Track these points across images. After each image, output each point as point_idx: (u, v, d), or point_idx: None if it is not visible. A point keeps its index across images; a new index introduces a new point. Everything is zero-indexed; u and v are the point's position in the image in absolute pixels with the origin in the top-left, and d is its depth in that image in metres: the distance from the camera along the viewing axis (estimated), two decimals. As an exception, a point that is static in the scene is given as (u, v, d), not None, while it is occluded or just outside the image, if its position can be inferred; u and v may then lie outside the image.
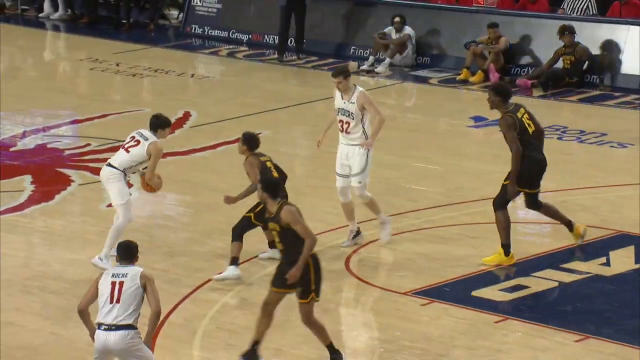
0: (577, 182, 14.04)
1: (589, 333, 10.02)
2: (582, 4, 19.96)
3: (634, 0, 19.41)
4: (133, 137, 11.43)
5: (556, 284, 11.02)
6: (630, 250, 11.87)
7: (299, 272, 9.12)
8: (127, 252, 8.69)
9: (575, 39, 18.76)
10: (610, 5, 19.65)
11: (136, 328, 8.49)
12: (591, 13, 19.80)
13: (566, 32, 18.71)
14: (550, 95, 18.52)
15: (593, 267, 11.45)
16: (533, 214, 12.87)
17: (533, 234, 12.39)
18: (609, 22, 19.29)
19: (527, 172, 11.27)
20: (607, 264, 11.57)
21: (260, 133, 16.24)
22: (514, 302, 10.65)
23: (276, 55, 21.41)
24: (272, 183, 9.50)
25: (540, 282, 11.02)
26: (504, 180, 11.40)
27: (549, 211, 11.70)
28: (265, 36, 22.33)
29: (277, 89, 19.46)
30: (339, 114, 11.87)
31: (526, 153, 11.21)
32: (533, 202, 11.52)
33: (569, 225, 11.76)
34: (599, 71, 18.93)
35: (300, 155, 16.18)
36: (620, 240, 12.16)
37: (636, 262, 11.56)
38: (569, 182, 14.00)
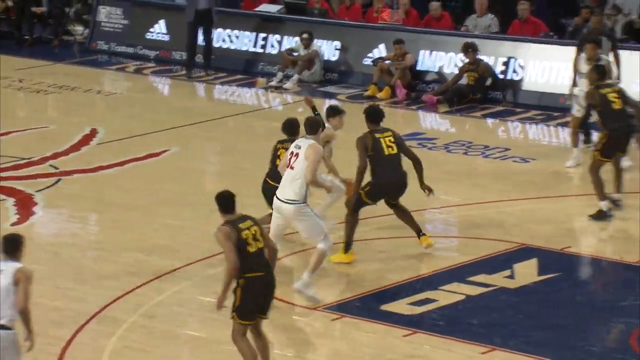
0: (481, 196, 14.29)
1: (495, 345, 10.22)
2: (485, 21, 20.34)
3: (533, 19, 19.84)
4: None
5: (463, 297, 11.21)
6: (533, 263, 12.12)
7: (221, 299, 9.12)
8: (10, 246, 8.37)
9: (479, 56, 19.12)
10: (511, 23, 20.06)
11: (10, 329, 8.17)
12: (493, 31, 20.19)
13: (470, 49, 19.04)
14: (455, 111, 18.83)
15: (498, 279, 11.68)
16: (441, 229, 13.10)
17: (441, 248, 12.59)
18: (510, 39, 19.69)
19: (377, 187, 11.95)
20: (512, 276, 11.81)
21: (168, 150, 16.38)
22: (422, 315, 10.82)
23: (184, 72, 21.41)
24: (223, 197, 9.30)
25: (448, 295, 11.20)
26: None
27: (404, 216, 12.13)
28: (173, 52, 22.32)
29: (186, 105, 19.46)
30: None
31: (377, 171, 11.87)
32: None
33: (418, 232, 12.15)
34: (502, 87, 19.30)
35: (211, 171, 16.23)
36: (524, 253, 12.41)
37: (539, 274, 11.83)
38: (474, 196, 14.25)
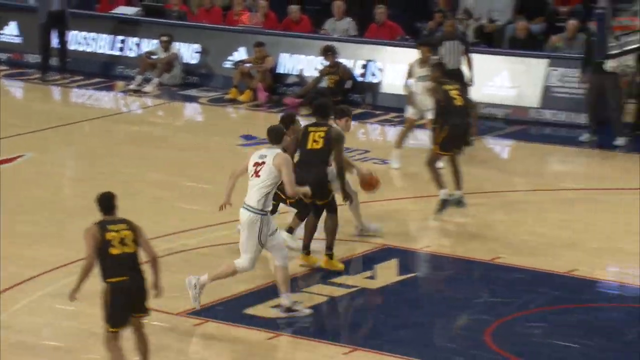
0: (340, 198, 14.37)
1: (357, 345, 10.33)
2: (343, 25, 20.53)
3: (389, 23, 20.11)
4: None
5: (326, 298, 11.30)
6: (393, 263, 12.29)
7: (73, 290, 9.09)
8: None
9: (338, 59, 19.28)
10: (368, 27, 20.30)
11: None
12: (351, 34, 20.40)
13: (329, 52, 19.20)
14: (316, 114, 18.90)
15: (360, 280, 11.80)
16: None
17: (303, 250, 12.66)
18: (368, 42, 19.93)
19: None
20: (373, 277, 11.95)
21: (22, 155, 16.05)
22: (285, 318, 10.85)
23: (39, 75, 21.01)
24: (102, 198, 9.22)
25: (311, 297, 11.27)
26: None
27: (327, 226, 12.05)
28: (26, 55, 21.89)
29: (41, 109, 19.09)
30: None
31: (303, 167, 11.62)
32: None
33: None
34: (361, 90, 19.51)
35: (69, 175, 15.97)
36: (385, 253, 12.57)
37: (399, 274, 12.00)
38: (337, 198, 14.34)
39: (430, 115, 15.45)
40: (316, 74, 19.59)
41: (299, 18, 20.81)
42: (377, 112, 18.99)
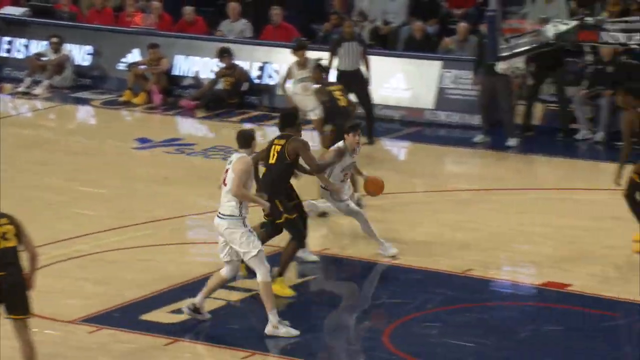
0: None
1: (255, 349, 10.29)
2: (238, 26, 20.48)
3: (285, 25, 20.12)
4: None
5: (224, 302, 11.23)
6: (292, 266, 12.26)
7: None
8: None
9: (234, 61, 19.22)
10: (264, 29, 20.27)
11: None
12: (247, 36, 20.36)
13: (225, 54, 19.12)
14: (213, 116, 18.86)
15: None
16: (204, 235, 13.07)
17: (202, 254, 12.57)
18: (264, 44, 19.89)
19: None
20: (271, 280, 11.89)
21: None
22: (183, 323, 10.76)
23: None
24: None
25: (209, 301, 11.18)
26: None
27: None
28: None
29: None
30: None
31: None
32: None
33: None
34: (258, 92, 19.48)
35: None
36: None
37: (298, 277, 11.99)
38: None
39: (313, 116, 15.51)
40: (212, 76, 19.50)
41: (194, 19, 20.69)
42: (275, 114, 18.95)
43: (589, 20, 9.87)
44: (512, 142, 17.10)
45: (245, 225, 10.42)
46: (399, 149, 17.68)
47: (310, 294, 11.64)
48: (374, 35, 20.08)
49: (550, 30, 10.04)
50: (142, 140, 17.12)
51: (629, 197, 12.04)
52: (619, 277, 11.75)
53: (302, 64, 16.00)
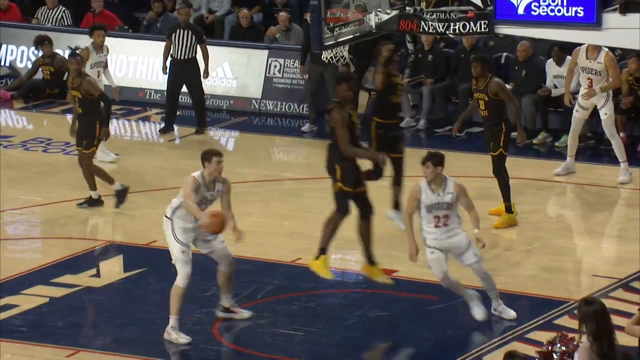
0: (65, 194, 13.94)
1: (81, 346, 10.00)
2: (57, 14, 19.92)
3: (107, 12, 19.67)
4: None
5: (47, 299, 10.88)
6: (119, 260, 12.03)
7: None
8: None
9: (55, 50, 18.71)
10: (84, 16, 19.78)
11: None
12: (66, 24, 19.82)
13: (46, 42, 18.57)
14: (32, 107, 18.29)
15: (84, 279, 11.46)
16: (23, 230, 12.68)
17: (22, 250, 12.19)
18: (85, 32, 19.34)
19: None
20: (98, 275, 11.63)
21: None
22: (3, 322, 10.37)
23: None
24: None
25: (30, 299, 10.83)
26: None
27: None
28: None
29: None
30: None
31: None
32: None
33: None
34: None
35: None
36: (110, 250, 12.31)
37: (124, 271, 11.74)
38: (58, 195, 13.90)
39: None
40: (30, 65, 18.91)
41: (7, 6, 20.03)
42: (136, 108, 18.51)
43: (409, 9, 9.97)
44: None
45: (172, 229, 10.14)
46: (227, 138, 17.52)
47: (139, 288, 11.37)
48: (199, 24, 19.85)
49: (372, 19, 10.07)
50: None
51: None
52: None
53: (100, 46, 15.45)
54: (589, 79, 14.17)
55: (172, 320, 10.16)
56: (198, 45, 16.64)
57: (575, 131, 14.53)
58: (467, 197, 10.31)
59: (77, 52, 13.74)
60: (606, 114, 14.23)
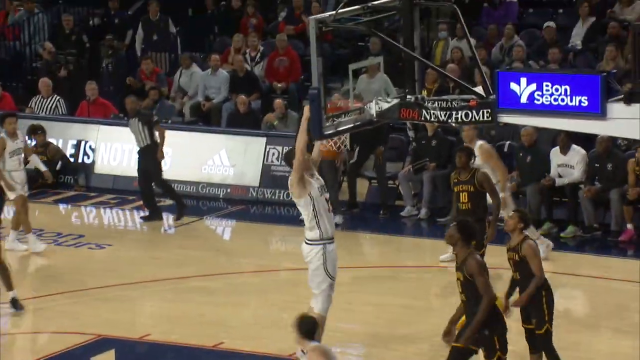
0: (57, 287, 13.57)
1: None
2: (51, 103, 19.73)
3: (101, 100, 19.50)
4: None
5: None
6: (111, 354, 11.63)
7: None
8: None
9: (48, 139, 18.48)
10: (79, 105, 19.61)
11: None
12: (60, 112, 19.63)
13: (39, 131, 18.39)
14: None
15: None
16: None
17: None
18: (79, 121, 19.22)
19: None
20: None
21: None
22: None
23: None
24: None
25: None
26: None
27: None
28: None
29: None
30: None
31: None
32: None
33: None
34: (73, 171, 18.75)
35: None
36: (101, 344, 11.90)
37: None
38: (49, 288, 13.54)
39: (22, 192, 14.82)
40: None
41: (1, 95, 19.85)
42: (92, 194, 18.26)
43: (410, 98, 9.75)
44: (337, 218, 16.80)
45: None
46: (224, 228, 17.19)
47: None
48: (196, 111, 19.67)
49: (373, 107, 9.84)
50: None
51: None
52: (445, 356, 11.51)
53: (13, 134, 15.03)
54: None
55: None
56: (153, 130, 16.36)
57: None
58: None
59: None
60: None
